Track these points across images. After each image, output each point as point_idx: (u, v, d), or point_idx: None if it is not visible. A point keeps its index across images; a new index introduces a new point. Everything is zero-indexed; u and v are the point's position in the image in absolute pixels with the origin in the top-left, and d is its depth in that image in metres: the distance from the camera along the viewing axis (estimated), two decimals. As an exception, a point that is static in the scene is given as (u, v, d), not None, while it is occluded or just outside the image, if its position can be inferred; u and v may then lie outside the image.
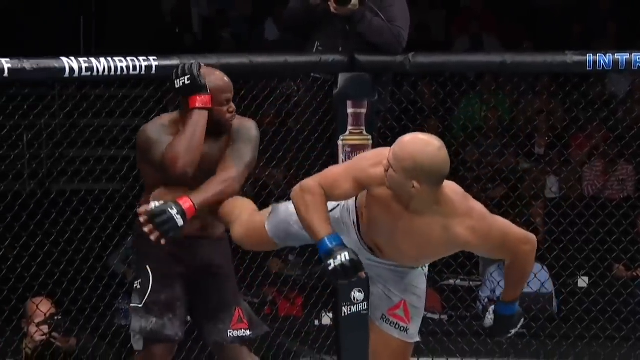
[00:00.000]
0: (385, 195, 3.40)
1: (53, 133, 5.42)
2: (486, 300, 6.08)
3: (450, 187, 3.41)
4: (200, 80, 3.70)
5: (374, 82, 4.83)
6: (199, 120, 3.70)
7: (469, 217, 3.38)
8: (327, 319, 5.17)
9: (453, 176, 3.45)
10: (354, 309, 4.81)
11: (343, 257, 3.32)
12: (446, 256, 3.66)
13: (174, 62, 4.40)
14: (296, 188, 3.49)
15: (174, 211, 3.60)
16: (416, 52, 4.85)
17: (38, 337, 4.81)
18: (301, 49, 5.09)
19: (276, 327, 5.23)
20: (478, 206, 3.42)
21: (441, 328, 5.36)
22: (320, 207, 3.43)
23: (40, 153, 6.21)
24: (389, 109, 5.10)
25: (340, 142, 4.83)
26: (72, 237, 4.58)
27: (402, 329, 3.69)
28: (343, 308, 4.81)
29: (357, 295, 4.82)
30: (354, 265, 3.33)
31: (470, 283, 6.09)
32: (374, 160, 3.43)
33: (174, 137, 3.70)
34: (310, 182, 3.48)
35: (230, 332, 3.85)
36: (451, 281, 5.82)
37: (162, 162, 3.68)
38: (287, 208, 3.67)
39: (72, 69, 4.13)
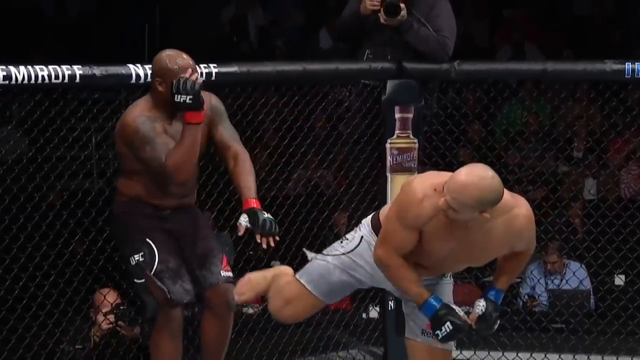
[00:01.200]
0: (440, 224, 3.40)
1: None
2: (526, 296, 6.04)
3: None
4: (201, 100, 3.82)
5: (420, 88, 4.83)
6: (195, 135, 3.85)
7: (518, 207, 3.43)
8: (374, 313, 5.15)
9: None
10: (400, 303, 4.83)
11: (447, 327, 3.45)
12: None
13: (233, 69, 4.47)
14: (376, 262, 3.55)
15: (266, 215, 3.91)
16: (461, 60, 4.85)
17: (105, 326, 4.85)
18: (353, 56, 5.10)
19: (326, 319, 5.23)
20: (516, 195, 3.49)
21: (483, 322, 5.34)
22: (407, 274, 3.48)
23: (108, 154, 6.23)
24: (435, 114, 5.08)
25: (388, 145, 4.83)
26: (124, 232, 4.58)
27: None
28: (389, 302, 4.82)
29: None
30: (458, 331, 3.47)
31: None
32: (414, 202, 3.42)
33: (174, 147, 3.85)
34: (382, 254, 3.51)
35: (222, 272, 4.02)
36: (491, 278, 5.79)
37: (163, 168, 3.84)
38: (323, 260, 3.71)
39: (138, 75, 4.18)
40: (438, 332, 3.48)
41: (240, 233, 3.90)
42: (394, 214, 3.50)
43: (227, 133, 4.05)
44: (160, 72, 3.87)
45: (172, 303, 3.92)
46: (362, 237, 3.66)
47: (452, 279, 3.73)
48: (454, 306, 3.54)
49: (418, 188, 3.43)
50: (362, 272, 3.68)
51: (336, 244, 3.76)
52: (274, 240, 3.95)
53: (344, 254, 3.68)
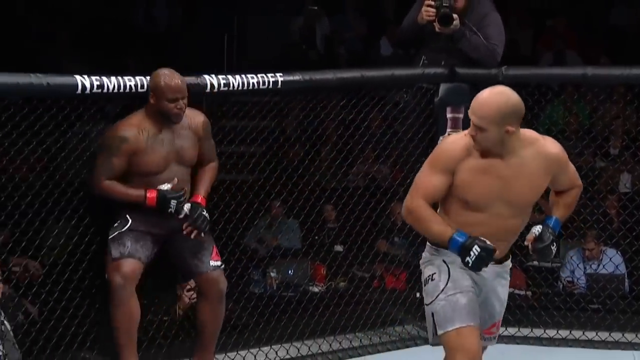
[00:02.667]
0: (474, 165, 3.27)
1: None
2: (566, 280, 5.97)
3: None
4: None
5: (471, 91, 4.77)
6: (134, 200, 3.99)
7: (544, 139, 3.34)
8: None
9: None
10: None
11: (475, 250, 3.24)
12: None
13: (297, 77, 4.47)
14: (403, 214, 3.39)
15: (204, 213, 4.05)
16: (508, 65, 4.82)
17: (187, 301, 4.98)
18: (410, 62, 5.08)
19: (384, 297, 5.22)
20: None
21: (526, 303, 5.29)
22: (429, 215, 3.30)
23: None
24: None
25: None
26: (218, 219, 4.63)
27: (492, 338, 3.59)
28: (440, 283, 4.81)
29: None
30: (488, 253, 3.25)
31: (552, 264, 5.97)
32: (445, 145, 3.33)
33: (117, 186, 3.98)
34: (408, 200, 3.34)
35: (212, 262, 4.09)
36: (535, 262, 5.75)
37: (92, 182, 4.00)
38: (439, 304, 3.40)
39: (212, 85, 4.23)
40: (468, 259, 3.26)
41: (180, 216, 4.00)
42: (426, 164, 3.35)
43: (208, 148, 4.18)
44: (154, 88, 3.95)
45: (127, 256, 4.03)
46: (430, 260, 3.44)
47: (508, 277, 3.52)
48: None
49: (449, 138, 3.39)
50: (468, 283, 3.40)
51: (430, 287, 3.44)
52: (198, 234, 4.03)
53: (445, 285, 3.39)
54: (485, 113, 3.18)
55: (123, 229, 4.00)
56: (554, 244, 3.37)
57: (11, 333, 4.22)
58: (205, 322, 4.16)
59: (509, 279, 3.52)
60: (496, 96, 3.21)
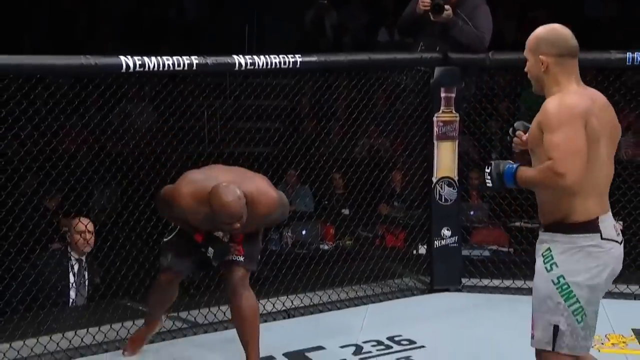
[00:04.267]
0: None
1: (225, 110, 5.51)
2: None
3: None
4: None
5: (461, 73, 4.78)
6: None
7: (567, 92, 2.66)
8: (422, 250, 5.12)
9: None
10: (443, 242, 4.80)
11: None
12: None
13: (313, 58, 4.41)
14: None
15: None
16: (494, 51, 4.78)
17: None
18: (404, 48, 5.04)
19: (385, 254, 5.25)
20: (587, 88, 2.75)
21: (509, 258, 5.29)
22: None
23: (216, 124, 6.28)
24: (472, 94, 5.02)
25: (435, 118, 4.78)
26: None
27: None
28: (435, 242, 4.81)
29: (446, 232, 4.81)
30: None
31: (532, 225, 5.99)
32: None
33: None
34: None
35: (232, 256, 3.55)
36: (517, 223, 5.74)
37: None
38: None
39: (240, 64, 4.15)
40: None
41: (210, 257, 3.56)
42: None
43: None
44: (213, 207, 3.32)
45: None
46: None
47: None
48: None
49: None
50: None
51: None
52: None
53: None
54: (527, 44, 2.73)
55: (169, 237, 3.65)
56: (489, 176, 2.75)
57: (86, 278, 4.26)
58: (233, 318, 3.68)
59: (539, 262, 2.67)
60: (539, 28, 2.73)
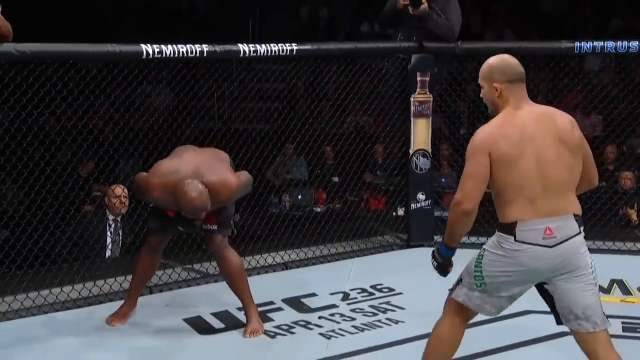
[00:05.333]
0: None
1: (232, 92, 5.49)
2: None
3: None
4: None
5: (434, 60, 4.76)
6: None
7: (512, 114, 2.59)
8: (401, 211, 5.12)
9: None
10: (418, 205, 4.80)
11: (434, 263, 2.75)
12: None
13: (307, 47, 4.38)
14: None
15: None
16: (462, 41, 4.76)
17: None
18: (385, 38, 5.00)
19: (369, 216, 5.25)
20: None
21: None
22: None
23: (224, 104, 6.24)
24: (444, 77, 5.00)
25: (412, 99, 4.75)
26: (243, 157, 4.66)
27: None
28: (411, 205, 4.81)
29: (421, 196, 4.81)
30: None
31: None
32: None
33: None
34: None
35: (204, 226, 3.47)
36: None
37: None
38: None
39: (244, 51, 4.13)
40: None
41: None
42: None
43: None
44: (179, 202, 3.28)
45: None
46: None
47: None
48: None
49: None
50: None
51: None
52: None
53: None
54: (480, 73, 2.67)
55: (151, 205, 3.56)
56: (435, 262, 2.74)
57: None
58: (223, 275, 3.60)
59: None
60: (491, 58, 2.67)
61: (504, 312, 2.77)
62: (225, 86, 5.40)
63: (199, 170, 3.32)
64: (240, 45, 4.13)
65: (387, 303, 3.93)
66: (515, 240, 2.52)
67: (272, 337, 3.53)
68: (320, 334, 3.57)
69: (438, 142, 5.16)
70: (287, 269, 4.50)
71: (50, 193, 3.98)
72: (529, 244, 2.52)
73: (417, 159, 4.78)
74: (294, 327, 3.64)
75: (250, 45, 4.15)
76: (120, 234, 4.77)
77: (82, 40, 3.85)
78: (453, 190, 5.68)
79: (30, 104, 3.77)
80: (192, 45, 3.96)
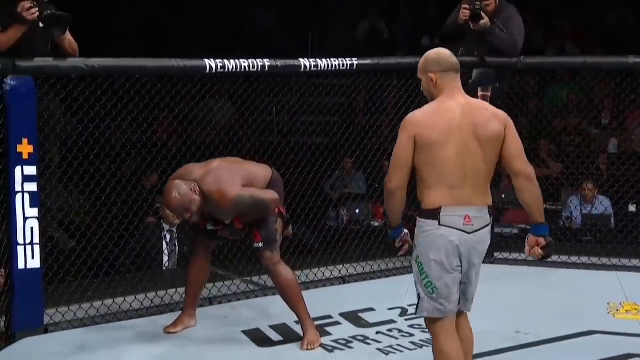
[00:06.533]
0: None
1: (291, 106, 5.52)
2: (565, 218, 5.85)
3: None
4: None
5: (497, 75, 4.73)
6: None
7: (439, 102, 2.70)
8: None
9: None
10: None
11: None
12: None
13: (367, 61, 4.41)
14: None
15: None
16: (525, 55, 4.72)
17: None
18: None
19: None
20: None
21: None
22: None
23: (284, 118, 6.25)
24: (506, 93, 4.96)
25: (473, 114, 4.74)
26: (302, 170, 4.68)
27: None
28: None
29: None
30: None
31: (556, 207, 5.88)
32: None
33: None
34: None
35: (253, 244, 3.53)
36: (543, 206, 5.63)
37: None
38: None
39: (305, 66, 4.18)
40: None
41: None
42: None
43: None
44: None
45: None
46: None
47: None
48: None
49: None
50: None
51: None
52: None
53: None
54: (419, 65, 2.76)
55: None
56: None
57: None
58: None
59: None
60: (428, 52, 2.76)
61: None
62: (285, 100, 5.44)
63: (205, 177, 3.42)
64: (301, 60, 4.17)
65: (446, 319, 3.87)
66: (439, 224, 2.62)
67: (330, 351, 3.52)
68: (378, 349, 3.54)
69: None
70: (344, 283, 4.49)
71: (115, 204, 4.06)
72: (452, 227, 2.63)
73: (478, 174, 4.74)
74: (352, 342, 3.62)
75: (312, 60, 4.19)
76: (177, 244, 4.83)
77: (146, 55, 3.94)
78: (514, 207, 5.67)
79: (98, 117, 3.87)
80: (254, 60, 4.01)
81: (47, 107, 3.73)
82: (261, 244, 3.51)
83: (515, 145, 2.67)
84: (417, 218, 2.67)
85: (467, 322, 2.86)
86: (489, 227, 2.71)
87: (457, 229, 2.63)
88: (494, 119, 2.67)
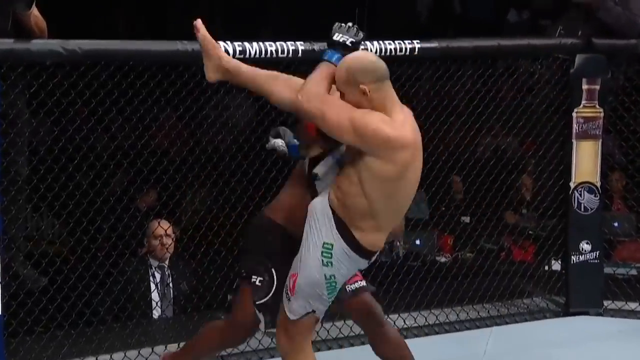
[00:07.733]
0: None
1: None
2: None
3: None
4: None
5: (608, 62, 4.70)
6: None
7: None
8: (557, 266, 5.07)
9: None
10: (581, 257, 4.76)
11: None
12: None
13: (433, 45, 4.40)
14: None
15: None
16: (646, 36, 4.72)
17: None
18: (540, 31, 4.97)
19: (512, 270, 5.17)
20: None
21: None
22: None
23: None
24: (621, 86, 4.94)
25: (574, 114, 4.72)
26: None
27: None
28: (572, 257, 4.76)
29: (585, 246, 4.77)
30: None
31: None
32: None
33: None
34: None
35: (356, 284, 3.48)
36: None
37: None
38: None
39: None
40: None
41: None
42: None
43: None
44: None
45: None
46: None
47: None
48: None
49: None
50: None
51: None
52: None
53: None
54: (337, 77, 2.93)
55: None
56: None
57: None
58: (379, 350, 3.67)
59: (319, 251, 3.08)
60: (346, 59, 2.95)
61: None
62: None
63: None
64: (342, 42, 4.14)
65: (538, 391, 3.90)
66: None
67: None
68: None
69: (610, 173, 5.20)
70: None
71: (101, 231, 4.08)
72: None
73: (580, 195, 4.77)
74: None
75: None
76: (171, 285, 4.79)
77: (142, 37, 3.96)
78: (631, 239, 5.59)
79: (79, 117, 3.88)
80: (283, 43, 4.02)
81: (13, 103, 3.74)
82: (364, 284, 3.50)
83: None
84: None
85: None
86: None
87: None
88: None
